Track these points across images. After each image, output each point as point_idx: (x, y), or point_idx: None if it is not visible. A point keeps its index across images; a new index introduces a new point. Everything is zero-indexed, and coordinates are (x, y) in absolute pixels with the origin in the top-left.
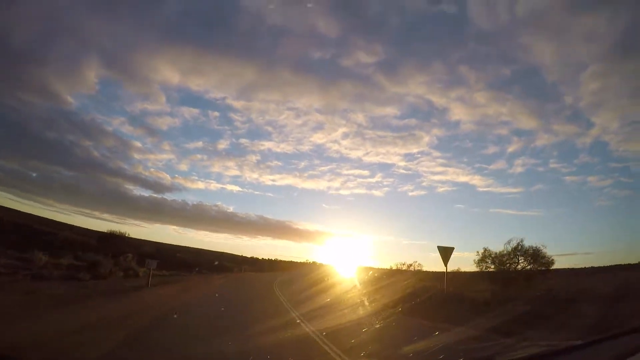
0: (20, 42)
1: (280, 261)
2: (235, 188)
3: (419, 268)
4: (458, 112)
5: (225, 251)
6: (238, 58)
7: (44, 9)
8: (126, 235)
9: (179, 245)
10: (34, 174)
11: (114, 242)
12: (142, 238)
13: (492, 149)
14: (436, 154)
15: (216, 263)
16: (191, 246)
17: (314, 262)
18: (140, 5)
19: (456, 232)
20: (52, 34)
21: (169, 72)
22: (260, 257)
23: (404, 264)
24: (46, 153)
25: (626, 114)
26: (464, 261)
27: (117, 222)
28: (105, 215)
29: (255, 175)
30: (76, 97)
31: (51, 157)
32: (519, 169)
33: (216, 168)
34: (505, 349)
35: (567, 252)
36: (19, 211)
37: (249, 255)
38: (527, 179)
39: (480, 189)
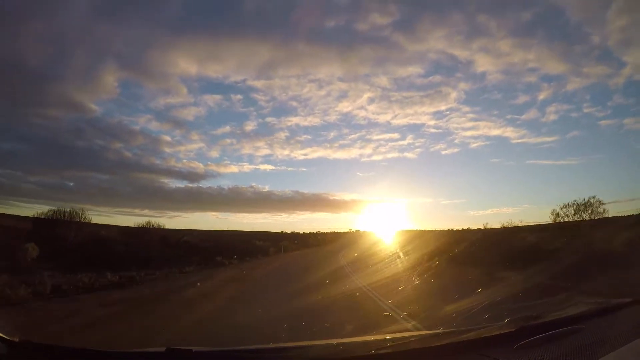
0: (37, 62)
1: (322, 233)
2: (268, 167)
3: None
4: (483, 63)
5: (264, 230)
6: (252, 38)
7: (55, 26)
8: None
9: (215, 231)
10: (71, 184)
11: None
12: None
13: (522, 98)
14: (465, 109)
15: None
16: (231, 229)
17: (356, 231)
18: (147, 3)
19: (493, 188)
20: (66, 48)
21: (185, 63)
22: (301, 232)
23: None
24: (79, 161)
25: None
26: (504, 217)
27: (157, 216)
28: (145, 211)
29: (286, 152)
30: (99, 103)
31: (85, 165)
32: (552, 117)
33: (247, 150)
34: (553, 307)
35: (609, 200)
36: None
37: (289, 231)
38: (561, 126)
39: (514, 141)
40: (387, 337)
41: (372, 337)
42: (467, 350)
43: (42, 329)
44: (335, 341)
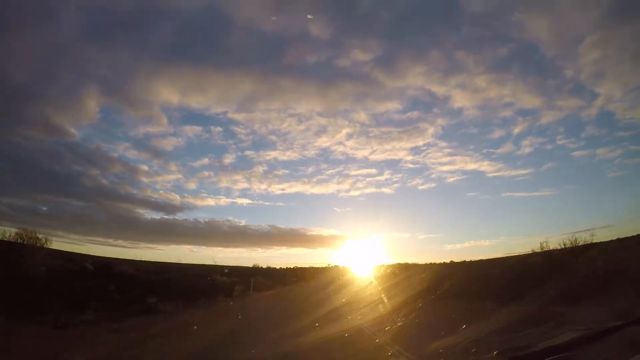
0: (19, 81)
1: (301, 268)
2: (245, 201)
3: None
4: (460, 99)
5: (239, 264)
6: (234, 71)
7: (40, 45)
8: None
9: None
10: (44, 208)
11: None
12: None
13: (497, 133)
14: (442, 144)
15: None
16: (203, 263)
17: (335, 266)
18: (134, 30)
19: (470, 221)
20: (49, 69)
21: (168, 93)
22: (277, 267)
23: None
24: (54, 186)
25: (629, 80)
26: (481, 250)
27: (130, 247)
28: (119, 242)
29: (263, 186)
30: (79, 128)
31: (60, 190)
32: (527, 150)
33: (224, 183)
34: (541, 336)
35: (584, 229)
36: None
37: (264, 266)
38: (536, 158)
39: (490, 175)
40: None
41: None
42: None
43: None
44: None
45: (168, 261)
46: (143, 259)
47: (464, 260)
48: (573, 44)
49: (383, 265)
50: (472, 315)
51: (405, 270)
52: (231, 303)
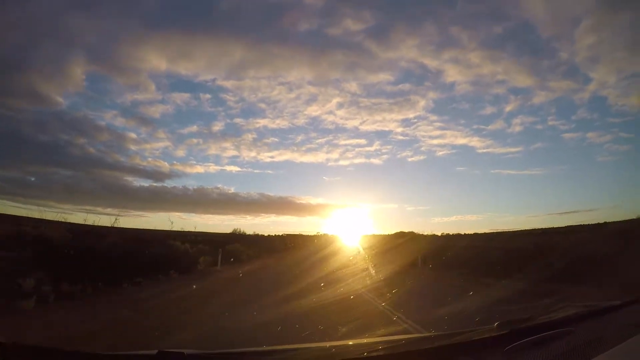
0: (1, 50)
1: (291, 235)
2: (235, 168)
3: None
4: (452, 74)
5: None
6: (224, 37)
7: (23, 13)
8: None
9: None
10: (33, 179)
11: None
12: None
13: (489, 109)
14: (433, 117)
15: None
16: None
17: (324, 235)
18: None
19: (458, 195)
20: (33, 36)
21: (156, 59)
22: (266, 234)
23: None
24: (42, 156)
25: (623, 67)
26: (467, 224)
27: (120, 215)
28: (108, 210)
29: (253, 154)
30: (65, 96)
31: (48, 160)
32: (518, 128)
33: (213, 150)
34: (543, 310)
35: (569, 210)
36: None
37: (251, 232)
38: (526, 137)
39: (480, 151)
40: (379, 340)
41: (365, 340)
42: (458, 353)
43: None
44: (328, 344)
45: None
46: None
47: (459, 233)
48: (569, 27)
49: (376, 234)
50: (471, 287)
51: (399, 239)
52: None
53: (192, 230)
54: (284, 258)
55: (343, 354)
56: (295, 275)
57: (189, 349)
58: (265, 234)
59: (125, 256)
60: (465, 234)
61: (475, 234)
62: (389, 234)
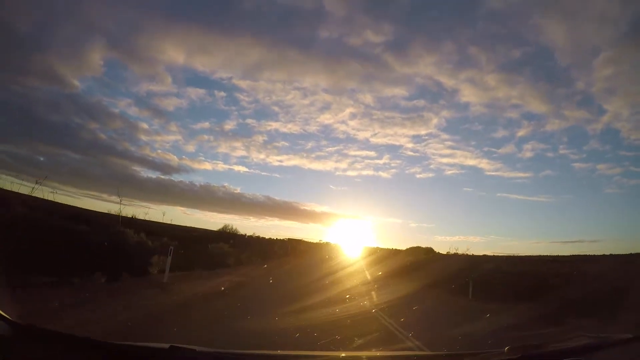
0: (23, 28)
1: (294, 240)
2: (243, 169)
3: None
4: (467, 94)
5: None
6: (243, 37)
7: None
8: None
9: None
10: (42, 158)
11: None
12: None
13: (501, 133)
14: (444, 136)
15: None
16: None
17: (327, 243)
18: None
19: (463, 216)
20: (55, 18)
21: (174, 52)
22: (267, 237)
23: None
24: (53, 137)
25: (638, 101)
26: (470, 245)
27: (125, 205)
28: (113, 197)
29: (262, 156)
30: (82, 79)
31: (58, 141)
32: (528, 154)
33: (223, 149)
34: (554, 338)
35: (573, 240)
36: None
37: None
38: (536, 164)
39: (488, 173)
40: (393, 354)
41: (377, 353)
42: None
43: None
44: (341, 354)
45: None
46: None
47: (473, 254)
48: (588, 57)
49: (385, 248)
50: (487, 309)
51: (416, 257)
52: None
53: (166, 222)
54: (279, 268)
55: None
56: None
57: (201, 347)
58: (267, 237)
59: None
60: (473, 254)
61: (485, 256)
62: (400, 249)
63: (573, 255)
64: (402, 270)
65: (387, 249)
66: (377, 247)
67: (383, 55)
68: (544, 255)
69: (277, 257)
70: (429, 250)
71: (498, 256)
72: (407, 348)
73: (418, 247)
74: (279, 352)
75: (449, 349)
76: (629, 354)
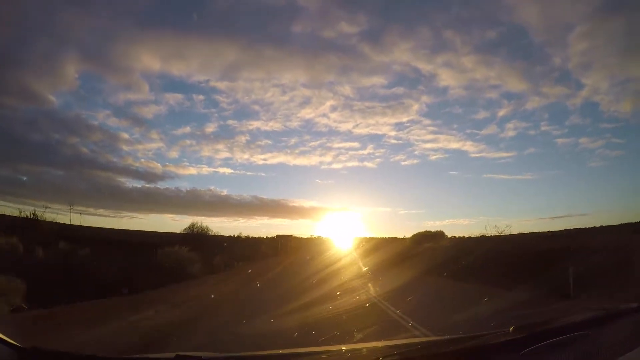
0: None
1: (280, 237)
2: (227, 170)
3: None
4: (446, 78)
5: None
6: (218, 38)
7: (14, 9)
8: None
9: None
10: (25, 178)
11: None
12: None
13: (482, 114)
14: (426, 121)
15: None
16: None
17: (318, 237)
18: None
19: (451, 200)
20: (26, 33)
21: (149, 59)
22: (259, 236)
23: None
24: (34, 155)
25: (615, 73)
26: (460, 228)
27: (112, 217)
28: (100, 211)
29: (246, 156)
30: (58, 95)
31: (39, 159)
32: (511, 133)
33: (206, 152)
34: (558, 314)
35: (561, 215)
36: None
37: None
38: (519, 142)
39: (473, 155)
40: (395, 344)
41: (380, 344)
42: (473, 357)
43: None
44: (343, 347)
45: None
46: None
47: (467, 236)
48: (563, 33)
49: (390, 237)
50: (486, 291)
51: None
52: None
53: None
54: (265, 274)
55: (359, 358)
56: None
57: (206, 352)
58: (256, 236)
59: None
60: (469, 237)
61: (483, 237)
62: (397, 237)
63: (566, 229)
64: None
65: (386, 238)
66: (375, 237)
67: (359, 46)
68: (540, 232)
69: (265, 257)
70: (440, 235)
71: (488, 236)
72: None
73: (426, 233)
74: (279, 351)
75: (451, 333)
76: (637, 323)
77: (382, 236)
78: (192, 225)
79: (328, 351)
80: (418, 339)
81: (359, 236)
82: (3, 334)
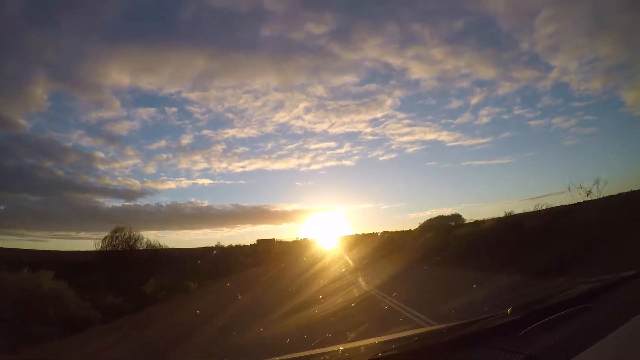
0: None
1: (262, 242)
2: (207, 181)
3: None
4: (417, 71)
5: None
6: (187, 49)
7: None
8: None
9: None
10: (1, 207)
11: None
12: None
13: (455, 103)
14: (401, 115)
15: None
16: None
17: (304, 239)
18: (80, 10)
19: (432, 190)
20: None
21: (118, 75)
22: (237, 244)
23: None
24: (8, 182)
25: (583, 53)
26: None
27: (94, 239)
28: (82, 234)
29: (223, 165)
30: (28, 118)
31: (14, 186)
32: (485, 120)
33: (183, 164)
34: (555, 290)
35: (541, 194)
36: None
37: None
38: (494, 128)
39: (449, 144)
40: (391, 338)
41: (376, 340)
42: (474, 343)
43: None
44: (340, 347)
45: None
46: None
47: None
48: (529, 18)
49: (367, 234)
50: (477, 277)
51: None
52: None
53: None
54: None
55: (356, 357)
56: None
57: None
58: (237, 244)
59: None
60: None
61: (475, 221)
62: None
63: (551, 207)
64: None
65: (376, 233)
66: (372, 233)
67: (328, 45)
68: (523, 213)
69: (243, 269)
70: (457, 217)
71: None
72: None
73: (439, 218)
74: (280, 357)
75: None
76: (636, 291)
77: (370, 232)
78: (115, 231)
79: (325, 352)
80: (414, 330)
81: (344, 234)
82: None
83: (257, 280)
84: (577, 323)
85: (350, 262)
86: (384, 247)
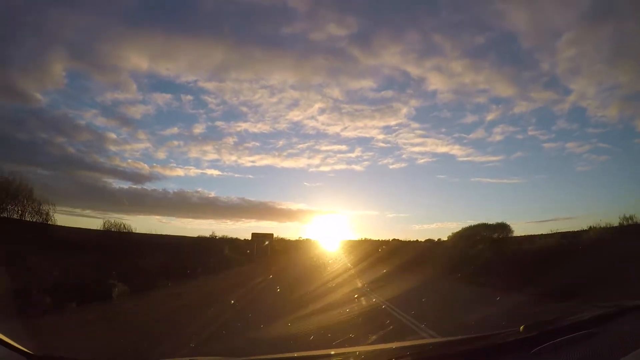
0: None
1: (257, 236)
2: (215, 172)
3: None
4: (435, 82)
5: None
6: (207, 38)
7: (1, 5)
8: None
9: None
10: (10, 178)
11: None
12: None
13: (470, 118)
14: (414, 125)
15: None
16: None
17: (306, 240)
18: None
19: (439, 203)
20: (13, 29)
21: (137, 58)
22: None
23: None
24: (20, 155)
25: (602, 79)
26: (447, 231)
27: (99, 218)
28: (87, 212)
29: (233, 158)
30: (45, 93)
31: (25, 159)
32: (498, 137)
33: (194, 153)
34: (567, 312)
35: (548, 219)
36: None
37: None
38: (507, 146)
39: (460, 159)
40: (407, 345)
41: (393, 345)
42: (484, 356)
43: None
44: (357, 349)
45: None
46: None
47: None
48: (551, 39)
49: (379, 240)
50: (493, 293)
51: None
52: None
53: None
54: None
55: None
56: None
57: (219, 357)
58: (233, 237)
59: None
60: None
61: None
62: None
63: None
64: None
65: (382, 240)
66: (383, 240)
67: (348, 48)
68: (530, 235)
69: (230, 267)
70: (502, 226)
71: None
72: None
73: (484, 225)
74: (293, 354)
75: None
76: None
77: (376, 239)
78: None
79: (342, 353)
80: (430, 339)
81: (347, 239)
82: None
83: (227, 296)
84: (585, 347)
85: (362, 277)
86: (410, 258)
